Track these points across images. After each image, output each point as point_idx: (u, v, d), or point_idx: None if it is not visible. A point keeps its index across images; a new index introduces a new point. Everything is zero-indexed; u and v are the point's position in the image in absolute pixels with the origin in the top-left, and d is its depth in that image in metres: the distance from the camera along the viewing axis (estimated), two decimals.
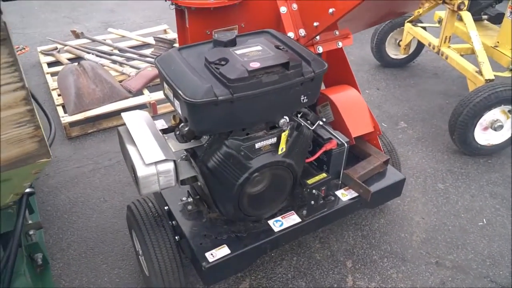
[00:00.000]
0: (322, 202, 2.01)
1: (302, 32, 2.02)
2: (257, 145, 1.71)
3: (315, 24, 1.85)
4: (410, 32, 3.83)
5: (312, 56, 1.72)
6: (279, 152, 1.76)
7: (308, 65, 1.67)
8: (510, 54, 3.12)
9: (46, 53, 4.14)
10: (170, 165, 1.62)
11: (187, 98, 1.47)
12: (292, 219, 1.99)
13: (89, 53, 4.04)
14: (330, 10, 1.71)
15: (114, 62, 3.94)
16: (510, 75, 3.12)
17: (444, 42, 3.42)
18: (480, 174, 2.89)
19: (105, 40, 4.43)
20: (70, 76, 3.39)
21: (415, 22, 3.84)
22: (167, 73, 1.61)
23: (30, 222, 1.95)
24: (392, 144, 2.52)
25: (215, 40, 1.70)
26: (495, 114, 2.88)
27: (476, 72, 3.08)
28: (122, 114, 1.78)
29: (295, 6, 2.02)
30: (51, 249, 2.36)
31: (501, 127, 2.88)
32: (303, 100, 1.71)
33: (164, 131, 1.90)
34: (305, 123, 1.83)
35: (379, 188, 2.17)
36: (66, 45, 4.21)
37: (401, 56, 4.17)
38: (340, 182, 2.19)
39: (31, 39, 4.79)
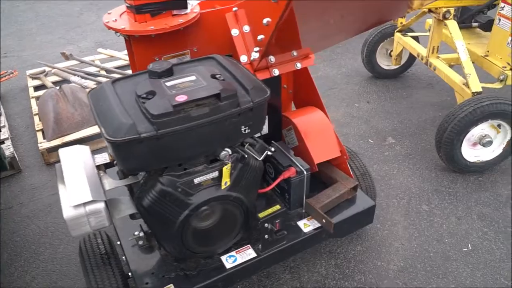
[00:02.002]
0: (277, 236, 1.89)
1: (255, 54, 1.91)
2: (196, 180, 1.60)
3: (259, 37, 1.74)
4: (400, 42, 3.67)
5: (253, 83, 1.61)
6: (223, 187, 1.65)
7: (246, 94, 1.56)
8: (501, 64, 2.92)
9: (33, 76, 4.15)
10: (100, 206, 1.52)
11: (108, 137, 1.38)
12: (247, 253, 1.88)
13: (75, 75, 4.03)
14: (265, 21, 1.60)
15: (99, 83, 3.91)
16: (500, 86, 2.92)
17: (432, 52, 3.25)
18: (469, 193, 2.71)
19: (93, 61, 4.42)
20: (49, 101, 3.36)
21: (404, 31, 3.68)
22: (95, 108, 1.54)
23: None
24: (366, 167, 2.37)
25: (149, 71, 1.61)
26: (483, 129, 2.69)
27: (464, 84, 2.90)
28: (59, 150, 1.70)
29: (246, 28, 1.91)
30: (14, 283, 2.30)
31: (490, 142, 2.68)
32: (245, 130, 1.60)
33: (107, 165, 1.82)
34: (253, 154, 1.71)
35: (346, 217, 2.03)
36: (54, 68, 4.22)
37: (394, 66, 4.00)
38: (303, 211, 2.07)
39: (25, 61, 4.82)
